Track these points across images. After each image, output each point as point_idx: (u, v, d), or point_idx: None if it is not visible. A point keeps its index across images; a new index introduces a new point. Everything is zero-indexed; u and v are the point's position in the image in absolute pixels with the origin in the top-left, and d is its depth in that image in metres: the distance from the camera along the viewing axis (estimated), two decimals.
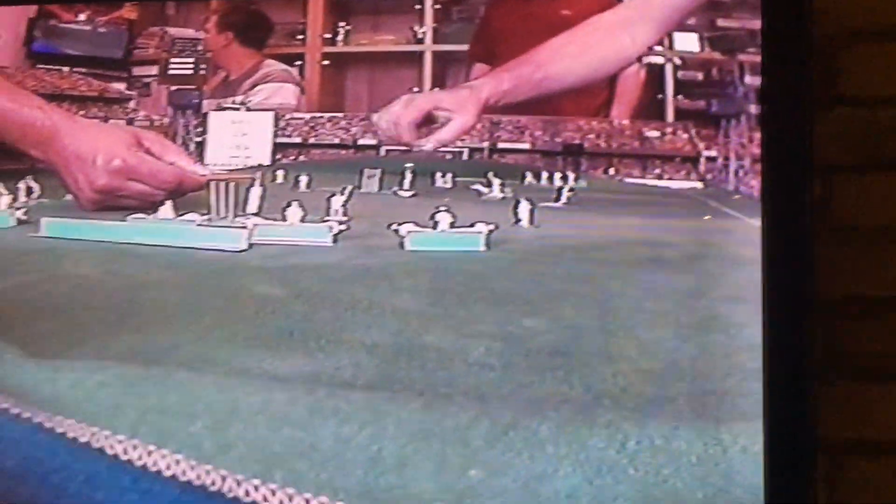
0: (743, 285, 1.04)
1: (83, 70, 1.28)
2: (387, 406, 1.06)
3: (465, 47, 1.21)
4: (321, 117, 1.24)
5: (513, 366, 1.08)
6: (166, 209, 1.21)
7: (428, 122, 1.21)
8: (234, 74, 1.27)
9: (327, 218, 1.18)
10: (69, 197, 1.25)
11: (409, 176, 1.24)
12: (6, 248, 1.25)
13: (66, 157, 1.23)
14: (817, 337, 1.08)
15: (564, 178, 1.18)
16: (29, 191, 1.26)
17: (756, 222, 1.02)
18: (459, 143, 1.21)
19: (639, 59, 1.15)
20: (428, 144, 1.21)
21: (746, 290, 1.02)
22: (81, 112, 1.27)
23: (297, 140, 1.25)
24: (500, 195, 1.20)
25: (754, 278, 1.01)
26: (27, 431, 1.10)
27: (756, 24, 1.03)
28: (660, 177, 1.17)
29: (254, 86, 1.26)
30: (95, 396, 1.10)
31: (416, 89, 1.22)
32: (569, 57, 1.18)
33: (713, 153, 1.12)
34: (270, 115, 1.25)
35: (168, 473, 1.06)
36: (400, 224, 1.14)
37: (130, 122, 1.27)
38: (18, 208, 1.25)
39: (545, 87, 1.20)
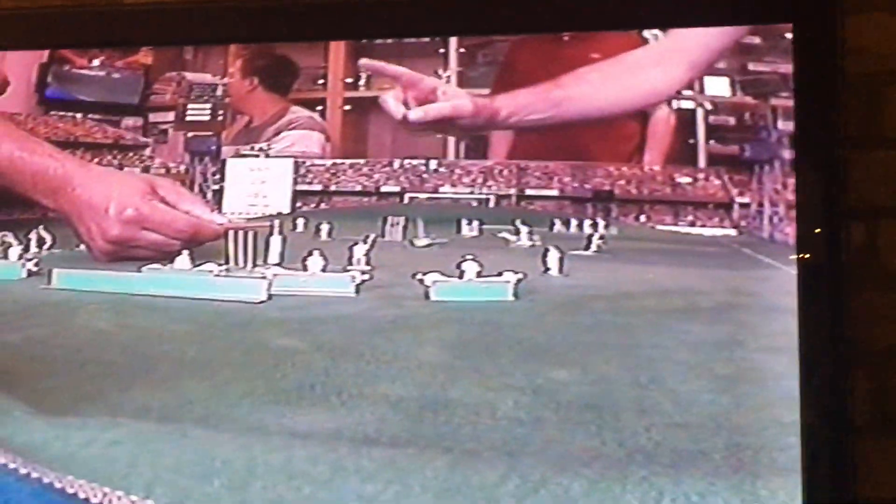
0: (779, 335, 1.09)
1: (98, 117, 1.36)
2: (412, 463, 1.12)
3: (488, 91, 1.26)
4: (343, 163, 1.30)
5: (542, 420, 1.13)
6: (183, 260, 1.28)
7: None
8: (257, 121, 1.33)
9: (349, 267, 1.24)
10: (82, 247, 1.32)
11: (421, 224, 1.29)
12: (16, 300, 1.31)
13: (78, 206, 1.30)
14: (858, 389, 1.11)
15: (594, 226, 1.24)
16: (40, 241, 1.33)
17: (792, 270, 1.08)
18: (486, 190, 1.26)
19: (669, 103, 1.21)
20: (414, 114, 1.24)
21: (783, 340, 1.08)
22: (96, 160, 1.34)
23: (318, 187, 1.31)
24: (529, 243, 1.26)
25: (791, 328, 1.07)
26: (36, 492, 1.16)
27: (788, 67, 1.11)
28: (692, 224, 1.22)
29: (278, 132, 1.32)
30: (108, 455, 1.17)
31: (439, 135, 1.29)
32: (590, 83, 1.23)
33: (747, 199, 1.18)
34: (290, 161, 1.31)
35: None
36: (425, 273, 1.20)
37: (146, 169, 1.34)
38: (29, 259, 1.32)
39: (564, 109, 1.23)
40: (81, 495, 1.15)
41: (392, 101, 1.25)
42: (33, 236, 1.34)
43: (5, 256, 1.32)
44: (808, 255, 1.08)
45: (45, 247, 1.34)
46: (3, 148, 1.32)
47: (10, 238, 1.33)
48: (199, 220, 1.30)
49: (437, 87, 1.23)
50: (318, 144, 1.32)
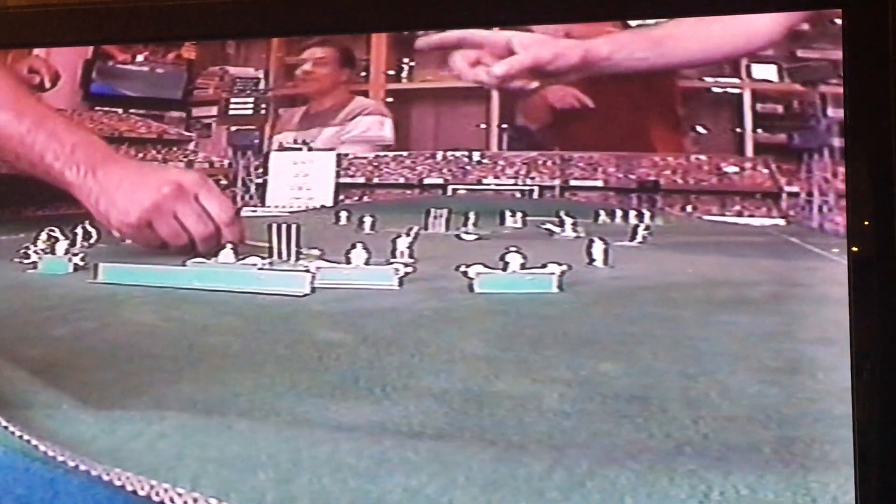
0: (830, 326, 1.09)
1: (142, 112, 1.38)
2: (456, 456, 1.13)
3: (535, 83, 1.26)
4: (385, 156, 1.32)
5: (588, 413, 1.14)
6: (227, 253, 1.30)
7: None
8: (315, 108, 1.35)
9: (393, 260, 1.26)
10: (128, 241, 1.36)
11: (472, 217, 1.30)
12: (64, 294, 1.34)
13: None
14: None
15: (639, 217, 1.24)
16: (86, 235, 1.35)
17: (842, 260, 1.09)
18: (529, 181, 1.27)
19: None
20: (498, 68, 1.22)
21: (834, 331, 1.08)
22: (140, 155, 1.37)
23: (361, 180, 1.32)
24: (573, 234, 1.26)
25: (841, 319, 1.07)
26: (84, 485, 1.19)
27: (837, 54, 1.11)
28: (740, 214, 1.22)
29: (348, 118, 1.33)
30: (155, 448, 1.20)
31: (482, 125, 1.30)
32: (688, 24, 1.20)
33: (795, 189, 1.17)
34: (332, 155, 1.32)
35: None
36: (468, 266, 1.22)
37: (190, 164, 1.36)
38: (76, 254, 1.35)
39: (665, 49, 1.20)
40: (129, 487, 1.18)
41: (460, 61, 1.24)
42: (79, 231, 1.36)
43: (52, 251, 1.35)
44: (859, 247, 1.08)
45: (91, 241, 1.37)
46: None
47: (56, 233, 1.36)
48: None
49: (511, 39, 1.21)
50: (390, 129, 1.33)
